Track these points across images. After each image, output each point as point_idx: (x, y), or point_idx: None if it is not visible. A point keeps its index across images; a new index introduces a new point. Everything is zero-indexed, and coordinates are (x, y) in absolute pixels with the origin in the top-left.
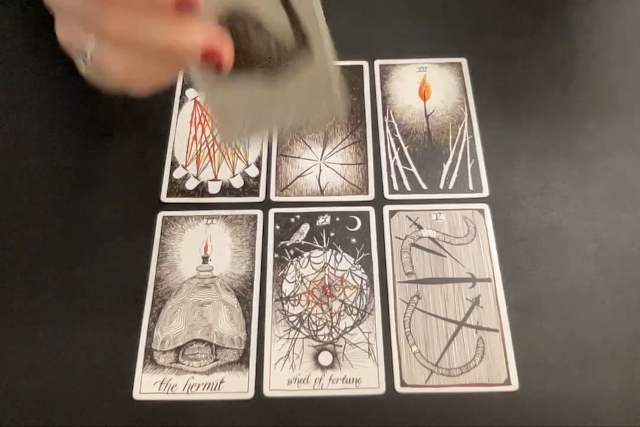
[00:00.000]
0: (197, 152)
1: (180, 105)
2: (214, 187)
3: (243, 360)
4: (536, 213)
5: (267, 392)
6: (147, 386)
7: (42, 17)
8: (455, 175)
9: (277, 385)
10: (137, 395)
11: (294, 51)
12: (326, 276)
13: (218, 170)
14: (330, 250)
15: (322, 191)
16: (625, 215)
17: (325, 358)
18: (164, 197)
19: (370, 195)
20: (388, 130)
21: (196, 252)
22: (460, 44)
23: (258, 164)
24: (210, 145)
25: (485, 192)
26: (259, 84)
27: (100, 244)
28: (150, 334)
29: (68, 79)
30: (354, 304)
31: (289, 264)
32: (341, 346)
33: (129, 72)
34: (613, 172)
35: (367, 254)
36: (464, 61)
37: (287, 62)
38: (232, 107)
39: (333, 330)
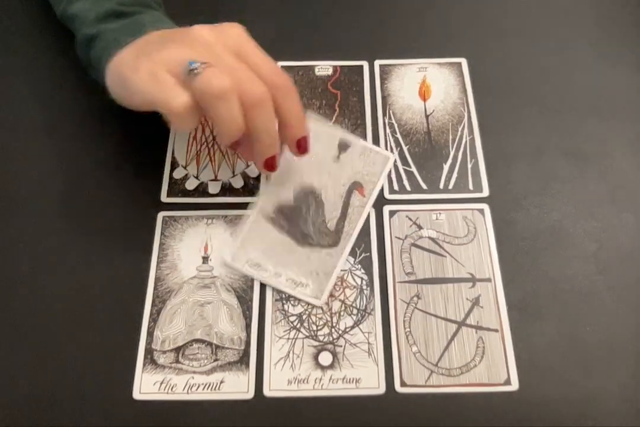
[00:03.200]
0: (197, 152)
1: None
2: (214, 187)
3: (243, 360)
4: (536, 213)
5: (267, 392)
6: (147, 386)
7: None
8: (455, 175)
9: (277, 385)
10: (137, 395)
11: (327, 234)
12: None
13: (218, 170)
14: None
15: None
16: (625, 215)
17: (325, 358)
18: (164, 197)
19: None
20: (388, 130)
21: (196, 252)
22: (460, 44)
23: None
24: (210, 145)
25: (485, 192)
26: (290, 237)
27: (100, 244)
28: (150, 334)
29: (69, 79)
30: (354, 304)
31: None
32: (341, 346)
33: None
34: (613, 172)
35: (367, 254)
36: (464, 61)
37: (318, 237)
38: (260, 238)
39: (333, 330)
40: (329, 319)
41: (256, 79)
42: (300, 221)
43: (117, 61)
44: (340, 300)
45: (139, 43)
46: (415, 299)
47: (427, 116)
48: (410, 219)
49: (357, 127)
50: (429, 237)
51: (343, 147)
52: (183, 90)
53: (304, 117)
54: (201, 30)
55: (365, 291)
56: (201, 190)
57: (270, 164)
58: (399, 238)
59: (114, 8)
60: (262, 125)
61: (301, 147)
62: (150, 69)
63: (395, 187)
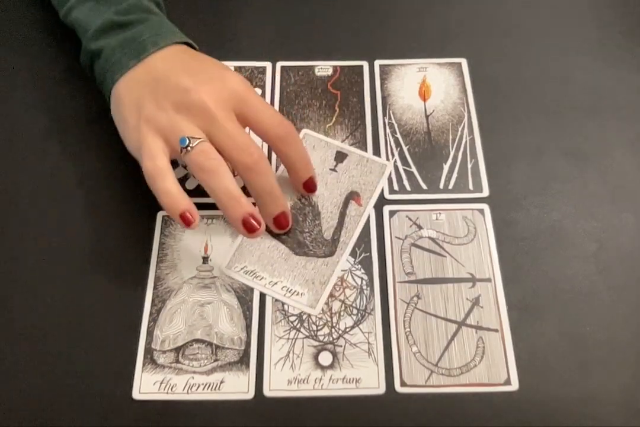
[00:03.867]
0: None
1: None
2: None
3: (243, 360)
4: (536, 213)
5: (267, 392)
6: (147, 385)
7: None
8: (455, 175)
9: (277, 385)
10: (137, 395)
11: (324, 244)
12: None
13: None
14: None
15: None
16: (625, 215)
17: (325, 358)
18: None
19: None
20: (388, 130)
21: (196, 252)
22: (460, 44)
23: None
24: None
25: (485, 192)
26: (286, 246)
27: (100, 243)
28: (150, 334)
29: (69, 80)
30: (354, 304)
31: None
32: (341, 346)
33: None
34: (613, 172)
35: (367, 254)
36: (464, 61)
37: (314, 247)
38: (256, 245)
39: (333, 330)
40: (329, 319)
41: (250, 144)
42: (296, 230)
43: (117, 93)
44: (340, 300)
45: (139, 77)
46: (415, 299)
47: (427, 116)
48: (410, 219)
49: (357, 128)
50: (429, 237)
51: (339, 158)
52: (163, 156)
53: (309, 161)
54: (199, 92)
55: (365, 291)
56: (201, 190)
57: (280, 222)
58: (399, 238)
59: (112, 19)
60: (260, 188)
61: (308, 187)
62: (143, 132)
63: (395, 187)
